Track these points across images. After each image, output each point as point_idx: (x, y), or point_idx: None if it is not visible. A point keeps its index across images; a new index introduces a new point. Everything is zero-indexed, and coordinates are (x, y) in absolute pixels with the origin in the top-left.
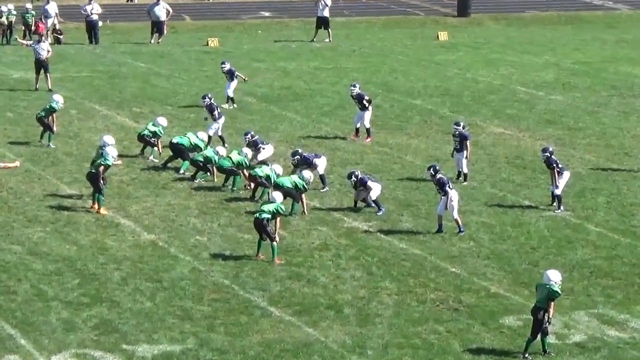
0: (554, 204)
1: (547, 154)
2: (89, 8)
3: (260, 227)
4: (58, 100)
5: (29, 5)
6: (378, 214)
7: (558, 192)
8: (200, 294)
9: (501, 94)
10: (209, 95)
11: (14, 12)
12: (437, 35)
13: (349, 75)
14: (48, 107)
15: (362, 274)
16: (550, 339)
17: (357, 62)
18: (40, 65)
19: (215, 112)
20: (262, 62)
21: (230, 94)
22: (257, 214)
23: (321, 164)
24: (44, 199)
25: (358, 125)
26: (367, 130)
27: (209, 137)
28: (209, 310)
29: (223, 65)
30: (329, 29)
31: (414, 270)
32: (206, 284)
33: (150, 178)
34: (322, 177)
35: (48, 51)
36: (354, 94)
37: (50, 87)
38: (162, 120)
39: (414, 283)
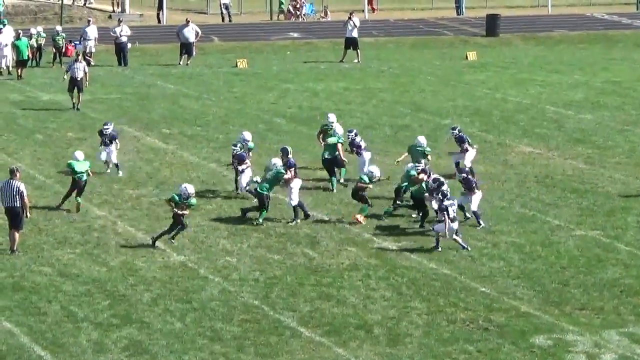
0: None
1: (456, 131)
2: (118, 30)
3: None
4: (245, 137)
5: (59, 28)
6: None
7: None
8: (230, 315)
9: (530, 113)
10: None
11: (43, 35)
12: (466, 55)
13: (377, 95)
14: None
15: (392, 294)
16: (581, 359)
17: (385, 82)
18: (75, 84)
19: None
20: (290, 82)
21: (114, 160)
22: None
23: (295, 185)
24: (73, 221)
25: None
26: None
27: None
28: (239, 331)
29: (106, 127)
30: (358, 50)
31: (444, 290)
32: (236, 304)
33: None
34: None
35: (85, 72)
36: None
37: (78, 107)
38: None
39: (443, 303)
